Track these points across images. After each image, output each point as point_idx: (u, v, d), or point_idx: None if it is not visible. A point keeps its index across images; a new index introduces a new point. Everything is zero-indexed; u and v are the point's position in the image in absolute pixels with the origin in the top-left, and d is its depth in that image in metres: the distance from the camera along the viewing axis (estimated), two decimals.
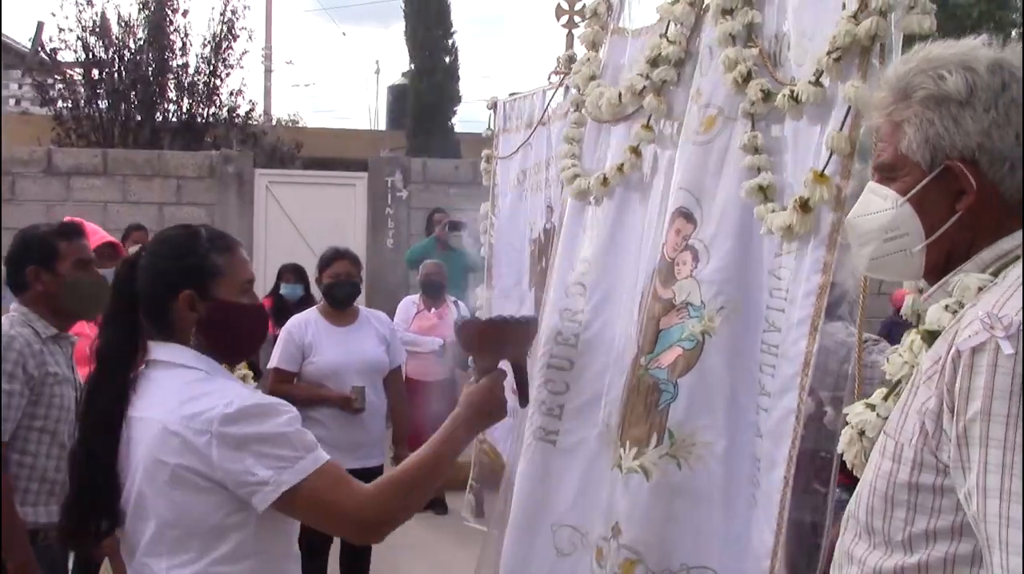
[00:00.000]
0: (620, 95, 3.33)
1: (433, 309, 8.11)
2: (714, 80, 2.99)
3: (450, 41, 14.83)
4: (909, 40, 2.42)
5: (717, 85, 2.97)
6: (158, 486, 2.14)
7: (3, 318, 3.27)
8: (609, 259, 3.37)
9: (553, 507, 3.35)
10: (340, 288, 5.35)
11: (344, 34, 59.68)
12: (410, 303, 8.36)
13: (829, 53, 2.60)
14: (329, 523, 2.24)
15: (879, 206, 1.71)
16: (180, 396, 2.16)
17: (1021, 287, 1.49)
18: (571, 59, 4.61)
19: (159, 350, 2.27)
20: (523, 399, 2.66)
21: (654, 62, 3.19)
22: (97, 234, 4.70)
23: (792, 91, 2.69)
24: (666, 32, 3.20)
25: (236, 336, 2.37)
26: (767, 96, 2.79)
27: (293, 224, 11.37)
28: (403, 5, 14.82)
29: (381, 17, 70.50)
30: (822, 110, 2.67)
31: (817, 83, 2.64)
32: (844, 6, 2.61)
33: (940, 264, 1.66)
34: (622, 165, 3.32)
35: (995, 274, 1.59)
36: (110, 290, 2.35)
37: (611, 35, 3.56)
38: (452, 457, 2.35)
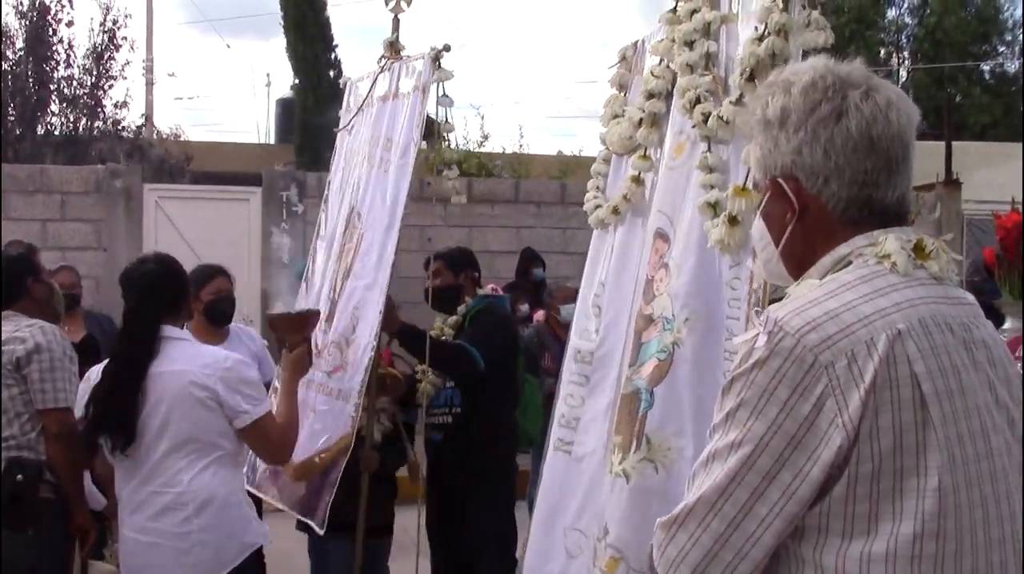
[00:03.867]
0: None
1: None
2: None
3: (332, 55, 14.65)
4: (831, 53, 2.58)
5: (683, 113, 3.16)
6: (186, 410, 3.47)
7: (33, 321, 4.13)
8: (619, 282, 3.57)
9: (566, 512, 3.56)
10: (224, 304, 5.23)
11: (229, 46, 58.43)
12: None
13: (741, 74, 2.80)
14: (263, 447, 3.75)
15: (755, 220, 1.91)
16: (192, 354, 3.61)
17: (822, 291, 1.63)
18: (393, 44, 4.81)
19: (169, 330, 3.64)
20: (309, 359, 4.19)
21: (648, 95, 3.41)
22: None
23: (719, 113, 2.89)
24: (658, 66, 3.40)
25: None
26: (707, 119, 2.97)
27: (185, 240, 11.07)
28: (281, 20, 14.58)
29: (260, 30, 69.57)
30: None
31: (739, 103, 2.82)
32: (756, 29, 2.80)
33: (795, 270, 1.80)
34: (626, 194, 3.54)
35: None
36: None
37: (633, 76, 3.74)
38: (294, 403, 3.90)
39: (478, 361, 4.98)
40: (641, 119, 3.44)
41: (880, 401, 1.52)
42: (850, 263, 1.68)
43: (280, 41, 15.07)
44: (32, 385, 3.95)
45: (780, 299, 1.71)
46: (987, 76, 22.26)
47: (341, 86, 5.47)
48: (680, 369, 3.02)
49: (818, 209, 1.72)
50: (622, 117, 3.68)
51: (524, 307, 9.30)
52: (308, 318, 4.24)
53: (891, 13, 21.54)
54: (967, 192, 12.45)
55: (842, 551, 1.55)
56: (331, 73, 14.41)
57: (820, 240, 1.73)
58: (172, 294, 3.72)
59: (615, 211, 3.61)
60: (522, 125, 46.40)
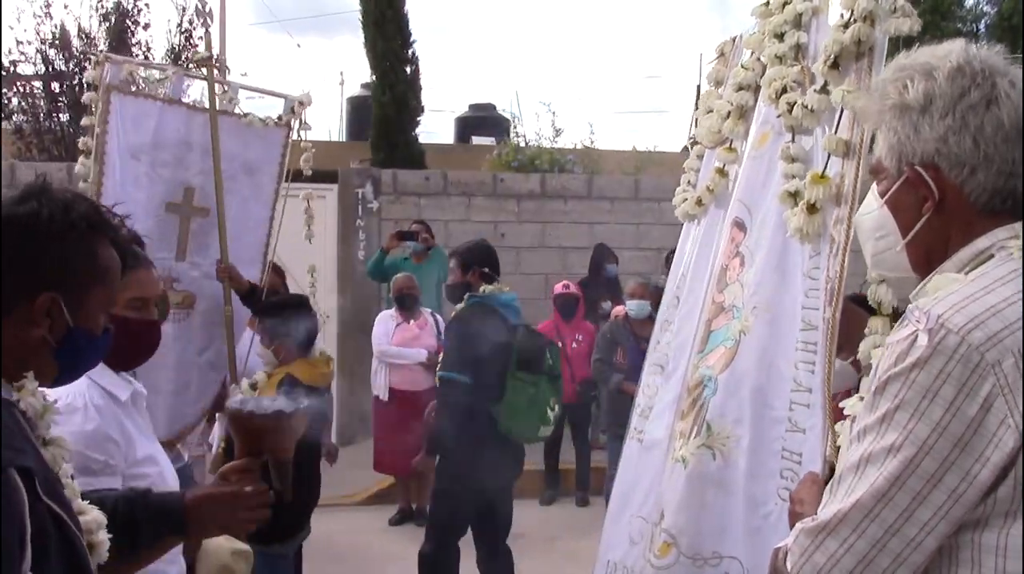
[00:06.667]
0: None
1: (412, 321, 8.14)
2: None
3: (410, 51, 14.67)
4: (907, 42, 2.57)
5: (769, 103, 3.15)
6: None
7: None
8: (697, 273, 3.58)
9: (633, 500, 3.57)
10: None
11: (299, 46, 58.66)
12: (388, 317, 8.40)
13: (825, 62, 2.78)
14: None
15: (870, 207, 1.86)
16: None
17: (970, 285, 1.58)
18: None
19: None
20: (282, 494, 2.39)
21: (737, 87, 3.42)
22: None
23: (803, 102, 2.87)
24: (748, 59, 3.41)
25: None
26: (792, 109, 2.95)
27: None
28: (360, 16, 14.65)
29: (323, 28, 70.20)
30: (834, 117, 2.81)
31: (823, 91, 2.81)
32: (841, 16, 2.78)
33: (922, 262, 1.75)
34: (710, 186, 3.55)
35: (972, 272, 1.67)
36: None
37: (729, 71, 3.73)
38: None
39: (460, 382, 5.38)
40: (729, 112, 3.44)
41: None
42: (991, 256, 1.63)
43: (344, 40, 15.01)
44: None
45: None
46: None
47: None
48: (744, 357, 3.01)
49: (957, 199, 1.67)
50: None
51: (606, 305, 9.31)
52: (280, 424, 2.40)
53: (970, 1, 20.84)
54: None
55: (1005, 530, 1.51)
56: (408, 69, 14.40)
57: (956, 232, 1.68)
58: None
59: (699, 203, 3.63)
60: (593, 122, 46.29)
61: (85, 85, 5.91)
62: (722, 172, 3.52)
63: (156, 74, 5.69)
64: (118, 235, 1.87)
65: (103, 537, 1.84)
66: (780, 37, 3.11)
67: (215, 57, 5.57)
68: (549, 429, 5.57)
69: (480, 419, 5.36)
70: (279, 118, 6.15)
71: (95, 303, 1.81)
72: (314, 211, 6.24)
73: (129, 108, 5.54)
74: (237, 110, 5.91)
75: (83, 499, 2.06)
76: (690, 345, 3.46)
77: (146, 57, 14.93)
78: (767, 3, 3.25)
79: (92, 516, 1.83)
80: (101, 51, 14.30)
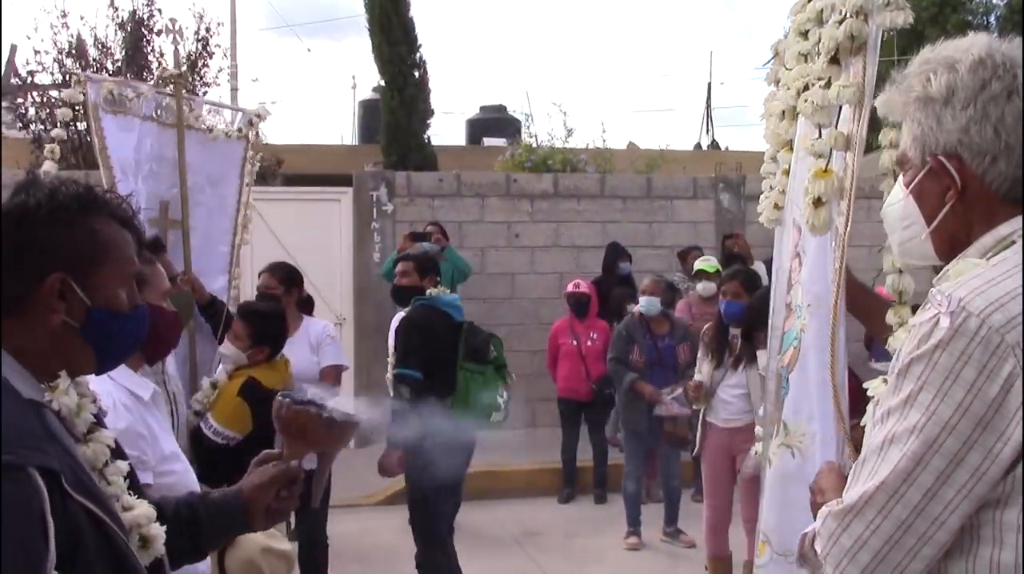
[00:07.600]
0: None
1: None
2: None
3: (417, 56, 14.68)
4: (913, 35, 2.59)
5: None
6: None
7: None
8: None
9: None
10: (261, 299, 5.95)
11: (309, 50, 58.68)
12: None
13: (824, 57, 2.83)
14: None
15: (896, 197, 1.94)
16: None
17: (992, 269, 1.63)
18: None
19: None
20: (311, 499, 2.39)
21: (787, 88, 3.36)
22: None
23: (807, 97, 2.89)
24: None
25: None
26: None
27: (279, 241, 11.39)
28: (366, 22, 14.66)
29: (332, 32, 70.27)
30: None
31: (828, 85, 2.83)
32: (839, 12, 2.81)
33: (946, 249, 1.80)
34: (782, 189, 3.55)
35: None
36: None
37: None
38: None
39: (412, 378, 5.66)
40: (784, 111, 3.43)
41: None
42: (1013, 243, 1.68)
43: (353, 43, 15.04)
44: None
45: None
46: None
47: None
48: (808, 355, 3.05)
49: (978, 188, 1.72)
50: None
51: (631, 307, 9.33)
52: (343, 429, 2.33)
53: None
54: None
55: None
56: (416, 73, 14.49)
57: (978, 219, 1.74)
58: None
59: (776, 207, 3.63)
60: (604, 121, 46.11)
61: (61, 103, 6.09)
62: (788, 173, 3.50)
63: (129, 92, 5.79)
64: (118, 211, 1.83)
65: (156, 530, 1.87)
66: (804, 35, 3.12)
67: (183, 74, 5.73)
68: (501, 414, 5.78)
69: (432, 413, 5.52)
70: (239, 130, 6.39)
71: (107, 279, 1.78)
72: (254, 210, 6.47)
73: (114, 125, 5.77)
74: (203, 124, 6.17)
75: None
76: None
77: (161, 66, 15.04)
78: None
79: (141, 510, 1.86)
80: (116, 61, 14.49)
